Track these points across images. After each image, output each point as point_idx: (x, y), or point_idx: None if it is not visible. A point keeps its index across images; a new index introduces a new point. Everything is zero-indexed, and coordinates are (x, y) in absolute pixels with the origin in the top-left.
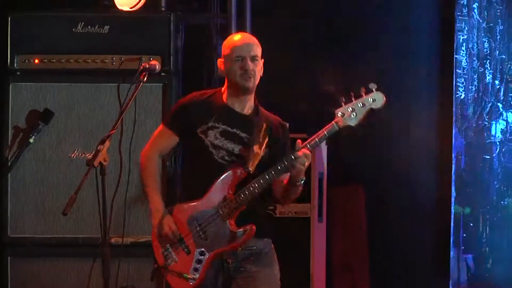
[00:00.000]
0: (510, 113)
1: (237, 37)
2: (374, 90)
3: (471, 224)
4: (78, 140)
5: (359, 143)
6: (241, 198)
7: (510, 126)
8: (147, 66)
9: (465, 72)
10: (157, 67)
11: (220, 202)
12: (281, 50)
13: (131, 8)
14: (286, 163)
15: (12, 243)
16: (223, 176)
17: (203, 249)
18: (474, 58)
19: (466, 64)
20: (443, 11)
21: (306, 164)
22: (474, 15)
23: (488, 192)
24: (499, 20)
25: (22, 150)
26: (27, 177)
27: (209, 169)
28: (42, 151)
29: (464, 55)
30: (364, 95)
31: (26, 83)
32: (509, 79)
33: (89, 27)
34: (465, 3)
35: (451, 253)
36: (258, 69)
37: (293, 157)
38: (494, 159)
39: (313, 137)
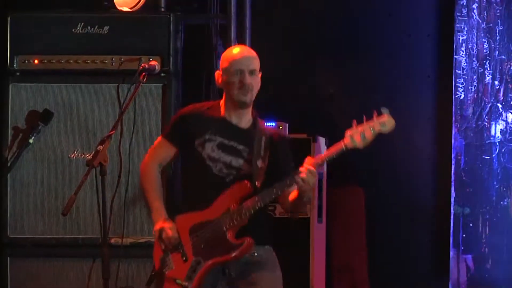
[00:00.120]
0: (509, 113)
1: (235, 50)
2: (385, 114)
3: (471, 225)
4: (77, 141)
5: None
6: (244, 211)
7: (510, 127)
8: (147, 66)
9: (464, 72)
10: (156, 67)
11: (223, 213)
12: (280, 50)
13: (130, 8)
14: (290, 180)
15: (12, 243)
16: (229, 189)
17: (199, 258)
18: (474, 59)
19: (465, 64)
20: (443, 12)
21: (311, 182)
22: (474, 15)
23: (487, 192)
24: (499, 21)
25: (22, 151)
26: (27, 178)
27: (207, 181)
28: (42, 151)
29: (463, 55)
30: (375, 118)
31: (26, 84)
32: (508, 80)
33: (89, 27)
34: (464, 3)
35: (451, 253)
36: (256, 83)
37: (295, 175)
38: (494, 160)
39: (321, 156)
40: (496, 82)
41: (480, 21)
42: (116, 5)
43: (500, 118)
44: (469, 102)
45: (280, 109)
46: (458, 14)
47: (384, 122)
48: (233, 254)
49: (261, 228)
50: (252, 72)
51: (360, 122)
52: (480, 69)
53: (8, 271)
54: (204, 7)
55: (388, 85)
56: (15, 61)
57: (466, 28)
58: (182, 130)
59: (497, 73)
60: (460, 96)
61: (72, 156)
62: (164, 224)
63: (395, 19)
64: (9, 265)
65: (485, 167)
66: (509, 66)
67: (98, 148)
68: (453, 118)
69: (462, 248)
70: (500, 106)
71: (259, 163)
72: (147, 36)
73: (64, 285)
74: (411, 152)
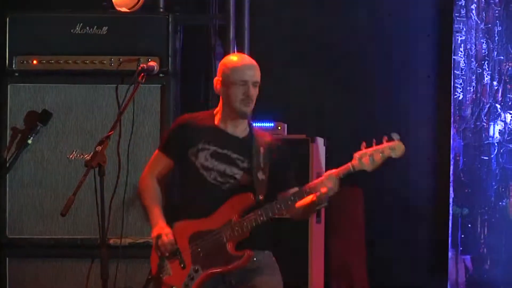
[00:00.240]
0: (508, 114)
1: (239, 59)
2: (396, 140)
3: (469, 225)
4: (76, 141)
5: (357, 143)
6: (245, 224)
7: (508, 127)
8: (146, 67)
9: (463, 73)
10: (155, 68)
11: (225, 224)
12: (279, 51)
13: (129, 9)
14: (296, 198)
15: (11, 244)
16: (232, 199)
17: (198, 266)
18: (472, 59)
19: (464, 65)
20: (441, 12)
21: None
22: (472, 16)
23: (486, 193)
24: (497, 21)
25: (21, 151)
26: (26, 178)
27: (203, 190)
28: (41, 152)
29: (462, 56)
30: (385, 143)
31: (25, 84)
32: (507, 80)
33: (88, 28)
34: (463, 4)
35: (449, 254)
36: (256, 94)
37: (304, 193)
38: (492, 160)
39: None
40: (495, 83)
41: (479, 22)
42: (115, 6)
43: (499, 118)
44: (467, 102)
45: (279, 110)
46: (456, 14)
47: (394, 147)
48: (232, 266)
49: (260, 233)
50: (255, 84)
51: (369, 145)
52: (479, 70)
53: (7, 271)
54: (203, 7)
55: (387, 85)
56: (13, 61)
57: (464, 29)
58: (176, 142)
59: (496, 74)
60: (459, 96)
61: (71, 156)
62: (161, 231)
63: (394, 19)
64: (8, 266)
65: (484, 168)
66: (507, 66)
67: (96, 149)
68: (452, 119)
69: (461, 248)
70: (498, 106)
71: (260, 175)
72: (146, 37)
73: (63, 285)
74: (409, 153)
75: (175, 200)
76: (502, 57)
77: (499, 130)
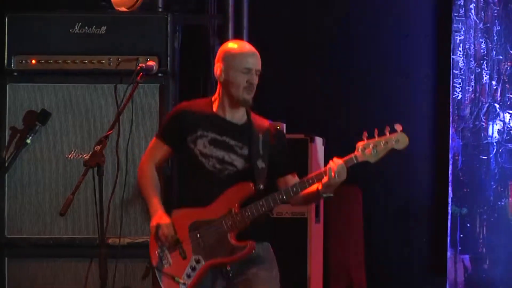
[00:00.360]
0: (507, 113)
1: (242, 46)
2: (398, 131)
3: (468, 225)
4: (75, 141)
5: (356, 143)
6: (247, 214)
7: (507, 127)
8: (144, 66)
9: (462, 72)
10: (154, 67)
11: (225, 214)
12: (278, 50)
13: (128, 8)
14: (298, 188)
15: (9, 243)
16: (232, 188)
17: (199, 257)
18: (471, 59)
19: (463, 64)
20: (440, 12)
21: (338, 177)
22: (471, 15)
23: (485, 192)
24: (496, 21)
25: (19, 151)
26: (24, 178)
27: (202, 177)
28: (39, 151)
29: (461, 55)
30: (388, 134)
31: (23, 84)
32: (506, 80)
33: (86, 27)
34: (462, 3)
35: (448, 253)
36: (257, 82)
37: (307, 183)
38: (491, 160)
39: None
40: (494, 82)
41: (478, 21)
42: (114, 5)
43: (498, 118)
44: (466, 102)
45: (277, 109)
46: (455, 14)
47: (398, 138)
48: (235, 256)
49: (259, 224)
50: (257, 72)
51: (371, 135)
52: (478, 69)
53: (6, 271)
54: (202, 7)
55: (386, 85)
56: (12, 61)
57: (463, 28)
58: (174, 129)
59: (495, 73)
60: (458, 96)
61: (70, 156)
62: (160, 220)
63: (393, 19)
64: (7, 266)
65: (483, 167)
66: (506, 66)
67: (95, 148)
68: (451, 118)
69: (460, 248)
70: (497, 106)
71: (260, 163)
72: (145, 36)
73: (62, 285)
74: (408, 152)
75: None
76: (501, 57)
77: (498, 129)
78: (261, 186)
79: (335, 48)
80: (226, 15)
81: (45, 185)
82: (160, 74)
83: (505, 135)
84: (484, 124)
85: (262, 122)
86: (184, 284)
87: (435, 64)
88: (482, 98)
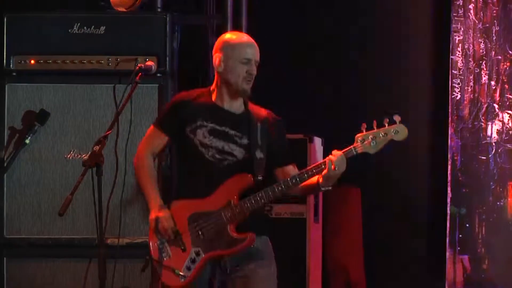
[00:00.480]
0: (506, 114)
1: (241, 36)
2: (397, 122)
3: (467, 225)
4: (74, 141)
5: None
6: (246, 206)
7: (506, 127)
8: (143, 66)
9: (461, 72)
10: (153, 67)
11: (224, 205)
12: (277, 50)
13: (127, 8)
14: (298, 180)
15: (8, 244)
16: (230, 180)
17: (199, 249)
18: (470, 59)
19: (462, 65)
20: (439, 12)
21: (341, 169)
22: (470, 16)
23: (484, 193)
24: (495, 21)
25: (18, 151)
26: (23, 178)
27: (202, 167)
28: (38, 151)
29: (460, 55)
30: (386, 125)
31: (22, 84)
32: (505, 80)
33: (85, 27)
34: (461, 3)
35: (447, 253)
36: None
37: (306, 175)
38: (490, 160)
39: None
40: (493, 83)
41: (477, 22)
42: (113, 5)
43: (497, 118)
44: (465, 102)
45: (276, 109)
46: (454, 14)
47: (398, 130)
48: (235, 249)
49: (257, 218)
50: (256, 63)
51: (370, 127)
52: (477, 70)
53: (5, 271)
54: (201, 7)
55: (385, 85)
56: (11, 61)
57: (462, 28)
58: (173, 118)
59: (494, 74)
60: (457, 96)
61: (69, 156)
62: (159, 213)
63: (392, 19)
64: (6, 266)
65: (482, 168)
66: (505, 66)
67: (94, 149)
68: (450, 118)
69: (459, 248)
70: (496, 106)
71: (258, 153)
72: (144, 37)
73: (61, 285)
74: (407, 152)
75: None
76: (500, 57)
77: (497, 130)
78: (260, 177)
79: (334, 48)
80: (225, 15)
81: (44, 185)
82: (159, 74)
83: (504, 135)
84: (483, 124)
85: (260, 111)
86: (184, 276)
87: (434, 64)
88: (481, 98)
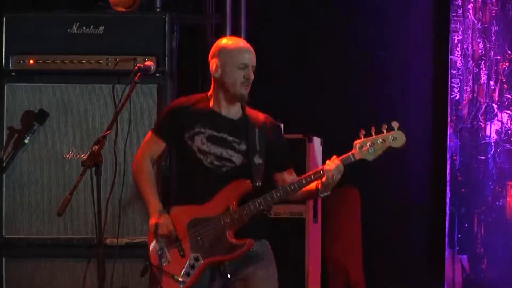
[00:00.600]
0: (505, 114)
1: (237, 42)
2: (396, 129)
3: (466, 225)
4: (73, 141)
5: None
6: (245, 212)
7: (505, 127)
8: (142, 66)
9: (460, 72)
10: (152, 67)
11: (223, 211)
12: (276, 50)
13: (126, 8)
14: (296, 187)
15: (7, 243)
16: (229, 186)
17: (198, 255)
18: (469, 59)
19: (461, 64)
20: (438, 12)
21: (337, 177)
22: (469, 16)
23: (483, 192)
24: (494, 21)
25: (17, 151)
26: (22, 178)
27: (200, 174)
28: (37, 151)
29: (459, 55)
30: (385, 132)
31: (21, 84)
32: (504, 80)
33: (84, 27)
34: (460, 3)
35: (446, 253)
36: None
37: (305, 181)
38: (489, 160)
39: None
40: (492, 83)
41: (476, 22)
42: (112, 5)
43: (496, 118)
44: (464, 102)
45: (275, 109)
46: (453, 14)
47: (396, 136)
48: (234, 255)
49: (257, 222)
50: (253, 68)
51: (368, 133)
52: (476, 70)
53: (3, 271)
54: (200, 7)
55: (384, 85)
56: (10, 61)
57: (461, 28)
58: (171, 125)
59: (493, 73)
60: (456, 96)
61: (67, 156)
62: (159, 219)
63: (391, 19)
64: (4, 266)
65: (481, 168)
66: (504, 66)
67: (93, 148)
68: (449, 118)
69: (458, 248)
70: (495, 106)
71: (257, 159)
72: (143, 36)
73: (59, 285)
74: (406, 152)
75: (172, 183)
76: (499, 57)
77: (496, 130)
78: (259, 183)
79: (333, 48)
80: (224, 14)
81: (43, 185)
82: (158, 74)
83: (503, 135)
84: (482, 124)
85: (258, 116)
86: (183, 282)
87: (433, 64)
88: (480, 98)
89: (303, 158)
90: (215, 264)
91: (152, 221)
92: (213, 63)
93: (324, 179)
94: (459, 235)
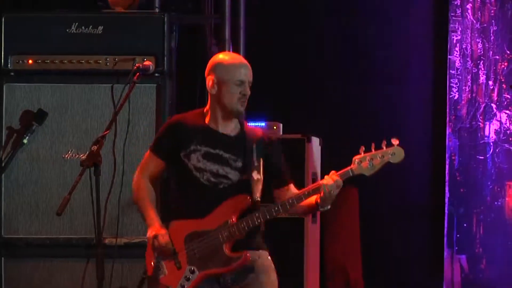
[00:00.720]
0: (503, 113)
1: (233, 58)
2: (395, 144)
3: (465, 225)
4: (72, 141)
5: (353, 143)
6: (242, 225)
7: (504, 127)
8: (141, 66)
9: (458, 72)
10: (151, 67)
11: (222, 225)
12: (274, 50)
13: (125, 8)
14: (295, 201)
15: (6, 243)
16: (229, 201)
17: (194, 267)
18: (468, 59)
19: (459, 64)
20: (437, 12)
21: (334, 193)
22: (468, 15)
23: (482, 192)
24: (493, 21)
25: (16, 151)
26: (21, 178)
27: (197, 191)
28: (36, 151)
29: (457, 55)
30: (384, 148)
31: (20, 84)
32: (502, 80)
33: (83, 27)
34: (458, 3)
35: (445, 253)
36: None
37: (303, 196)
38: (488, 160)
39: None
40: (490, 82)
41: (474, 21)
42: (111, 5)
43: (494, 118)
44: (463, 102)
45: (274, 109)
46: (452, 14)
47: (394, 152)
48: (230, 267)
49: (255, 233)
50: (250, 84)
51: (368, 149)
52: (474, 69)
53: (2, 271)
54: (199, 7)
55: (383, 85)
56: (9, 61)
57: (460, 28)
58: (168, 143)
59: (491, 73)
60: (454, 96)
61: (66, 156)
62: (157, 231)
63: (390, 19)
64: (3, 265)
65: (479, 167)
66: (503, 66)
67: (92, 148)
68: (447, 118)
69: (456, 248)
70: (494, 106)
71: (255, 174)
72: (142, 36)
73: (58, 285)
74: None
75: (170, 200)
76: (497, 57)
77: (495, 129)
78: (258, 198)
79: (332, 48)
80: (223, 14)
81: (42, 185)
82: (157, 74)
83: (501, 135)
84: (480, 124)
85: (255, 132)
86: None
87: (432, 64)
88: (478, 98)
89: (302, 158)
90: (213, 276)
91: (150, 233)
92: (209, 80)
93: (322, 194)
94: (458, 235)
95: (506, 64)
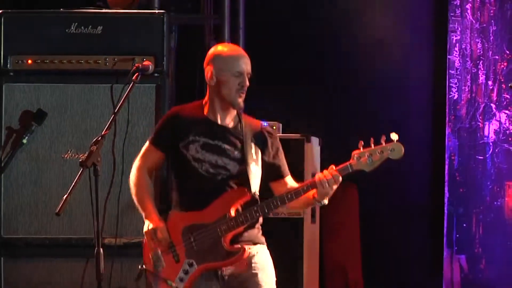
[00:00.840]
0: (503, 113)
1: (232, 49)
2: (394, 140)
3: (464, 225)
4: (71, 141)
5: (352, 143)
6: (241, 219)
7: (503, 127)
8: (140, 66)
9: (458, 72)
10: (150, 67)
11: (220, 218)
12: (274, 50)
13: (124, 8)
14: (293, 196)
15: (5, 243)
16: (227, 193)
17: (192, 260)
18: (467, 59)
19: (459, 64)
20: (436, 12)
21: (333, 187)
22: (467, 15)
23: (481, 192)
24: (492, 21)
25: (16, 151)
26: (20, 178)
27: (196, 182)
28: (36, 151)
29: (457, 55)
30: (383, 143)
31: (19, 84)
32: (502, 80)
33: (83, 27)
34: (458, 3)
35: (445, 253)
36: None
37: (302, 191)
38: (488, 160)
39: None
40: (490, 82)
41: (474, 21)
42: (110, 5)
43: (494, 118)
44: (462, 102)
45: (273, 109)
46: (451, 14)
47: (394, 148)
48: (228, 261)
49: (254, 227)
50: (248, 75)
51: (367, 144)
52: (474, 69)
53: (2, 271)
54: (198, 7)
55: (382, 85)
56: (8, 61)
57: (459, 28)
58: (167, 135)
59: (491, 73)
60: (454, 96)
61: (66, 156)
62: (154, 224)
63: (389, 19)
64: (3, 266)
65: (479, 167)
66: (502, 66)
67: (91, 148)
68: (447, 118)
69: (456, 248)
70: (493, 106)
71: (253, 167)
72: (141, 36)
73: (58, 285)
74: (405, 152)
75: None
76: (497, 57)
77: (494, 129)
78: (256, 190)
79: (332, 48)
80: (222, 15)
81: (41, 185)
82: (156, 74)
83: (501, 135)
84: (480, 124)
85: (254, 124)
86: (176, 287)
87: (431, 64)
88: (478, 98)
89: (301, 157)
90: (211, 270)
91: (147, 226)
92: (208, 71)
93: (320, 188)
94: (457, 235)
95: (505, 64)
